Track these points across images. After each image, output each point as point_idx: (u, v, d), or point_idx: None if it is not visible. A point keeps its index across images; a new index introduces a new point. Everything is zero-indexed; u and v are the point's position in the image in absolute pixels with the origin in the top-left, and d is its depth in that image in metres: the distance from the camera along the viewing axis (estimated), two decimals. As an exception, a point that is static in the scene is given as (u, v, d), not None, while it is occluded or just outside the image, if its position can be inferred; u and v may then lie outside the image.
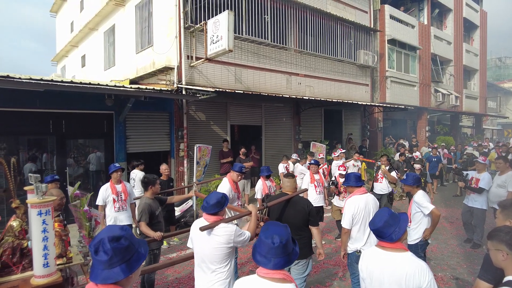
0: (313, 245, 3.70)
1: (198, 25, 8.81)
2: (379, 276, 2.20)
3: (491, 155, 12.86)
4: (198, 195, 5.54)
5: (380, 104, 13.81)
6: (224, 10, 8.18)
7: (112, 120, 8.42)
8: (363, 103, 12.74)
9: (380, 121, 15.50)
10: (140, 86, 8.30)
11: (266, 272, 1.75)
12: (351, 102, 12.06)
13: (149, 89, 8.12)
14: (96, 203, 5.21)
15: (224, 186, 4.80)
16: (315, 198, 6.51)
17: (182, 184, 8.97)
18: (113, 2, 11.61)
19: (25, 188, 2.87)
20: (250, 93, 8.71)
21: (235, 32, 9.56)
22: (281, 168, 9.20)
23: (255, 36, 10.10)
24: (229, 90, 8.54)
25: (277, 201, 3.53)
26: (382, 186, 7.50)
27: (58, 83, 6.58)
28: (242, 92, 8.52)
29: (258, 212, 3.18)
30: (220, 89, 8.27)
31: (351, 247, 3.89)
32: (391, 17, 15.51)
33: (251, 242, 2.81)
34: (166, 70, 9.19)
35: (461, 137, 22.83)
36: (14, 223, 2.74)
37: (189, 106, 9.25)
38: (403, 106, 13.70)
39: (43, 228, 2.43)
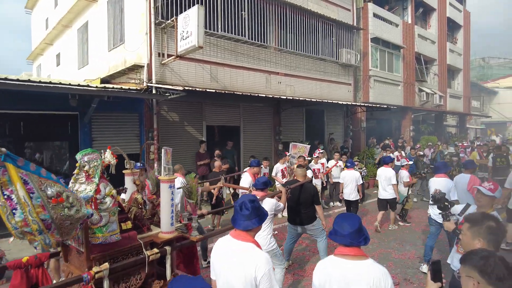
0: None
1: (170, 21, 8.37)
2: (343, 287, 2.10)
3: (473, 155, 12.76)
4: (226, 185, 6.85)
5: (362, 104, 13.57)
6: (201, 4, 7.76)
7: (77, 122, 7.93)
8: (345, 102, 12.46)
9: (363, 121, 15.27)
10: (107, 86, 7.85)
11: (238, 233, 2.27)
12: (332, 102, 11.76)
13: (116, 88, 7.67)
14: None
15: (246, 179, 6.20)
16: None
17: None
18: (85, -3, 11.09)
19: (124, 171, 3.81)
20: (223, 92, 8.31)
21: (210, 29, 9.22)
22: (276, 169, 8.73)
23: (232, 33, 9.71)
24: (200, 89, 8.12)
25: (294, 185, 4.95)
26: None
27: (11, 82, 6.08)
28: (214, 91, 8.12)
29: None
30: (191, 88, 7.85)
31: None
32: (375, 15, 15.29)
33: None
34: (136, 68, 8.74)
35: (445, 137, 22.85)
36: (138, 196, 3.42)
37: (160, 106, 8.80)
38: (385, 106, 13.47)
39: (171, 197, 3.14)
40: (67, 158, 8.25)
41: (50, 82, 6.69)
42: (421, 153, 11.84)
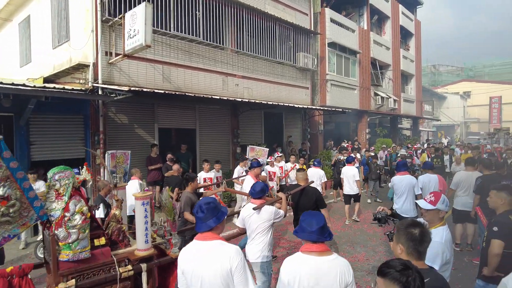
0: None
1: (117, 18, 7.93)
2: (313, 285, 2.17)
3: (423, 156, 13.42)
4: (228, 190, 6.90)
5: (319, 108, 13.77)
6: (149, 2, 7.41)
7: (12, 124, 7.26)
8: (302, 106, 12.56)
9: (320, 124, 15.51)
10: (47, 85, 7.26)
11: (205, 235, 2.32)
12: (288, 105, 11.82)
13: (57, 88, 7.10)
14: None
15: (249, 182, 5.95)
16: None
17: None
18: (25, -11, 10.26)
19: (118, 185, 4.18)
20: (174, 93, 7.99)
21: (162, 28, 8.88)
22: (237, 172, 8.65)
23: (186, 33, 9.41)
24: (147, 89, 7.75)
25: (295, 190, 4.76)
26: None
27: None
28: (163, 92, 7.78)
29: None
30: (137, 88, 7.47)
31: (394, 206, 5.93)
32: (332, 20, 15.63)
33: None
34: (82, 67, 8.19)
35: (400, 139, 23.92)
36: (116, 212, 3.36)
37: (107, 107, 8.30)
38: (340, 109, 13.78)
39: (145, 214, 3.10)
40: None
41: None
42: (372, 154, 12.24)
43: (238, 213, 7.60)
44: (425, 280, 2.03)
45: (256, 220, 3.78)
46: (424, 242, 2.10)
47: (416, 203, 5.94)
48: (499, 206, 3.35)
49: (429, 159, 12.68)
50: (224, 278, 2.17)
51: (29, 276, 2.83)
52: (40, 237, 6.12)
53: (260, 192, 3.87)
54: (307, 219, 2.36)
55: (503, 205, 3.31)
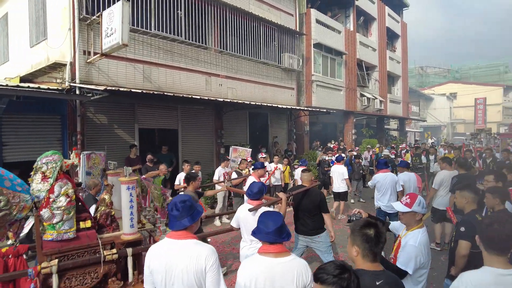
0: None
1: (95, 16, 7.79)
2: (269, 287, 2.16)
3: (407, 156, 13.54)
4: (231, 189, 6.85)
5: (304, 108, 13.77)
6: (126, 0, 7.29)
7: (-18, 124, 7.06)
8: (287, 106, 12.54)
9: (306, 125, 15.52)
10: (21, 84, 7.08)
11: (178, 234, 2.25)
12: (273, 105, 11.78)
13: (32, 87, 6.92)
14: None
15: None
16: None
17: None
18: (2, -14, 10.03)
19: (108, 172, 4.00)
20: (152, 92, 7.87)
21: (142, 27, 8.77)
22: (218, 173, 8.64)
23: (167, 33, 9.29)
24: (124, 89, 7.62)
25: (298, 191, 4.60)
26: None
27: None
28: (141, 91, 7.65)
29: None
30: (113, 88, 7.33)
31: (376, 204, 6.48)
32: (317, 21, 15.65)
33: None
34: (59, 66, 8.01)
35: (387, 139, 24.11)
36: (106, 196, 3.43)
37: (85, 107, 8.14)
38: (324, 110, 13.80)
39: (130, 199, 3.13)
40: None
41: None
42: (355, 153, 12.33)
43: (219, 215, 7.56)
44: (377, 283, 2.01)
45: (253, 222, 3.61)
46: (380, 243, 2.04)
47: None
48: (464, 205, 3.35)
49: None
50: (198, 277, 2.15)
51: (24, 257, 3.02)
52: (9, 241, 5.93)
53: (257, 194, 3.75)
54: (264, 220, 2.34)
55: (468, 204, 3.31)
